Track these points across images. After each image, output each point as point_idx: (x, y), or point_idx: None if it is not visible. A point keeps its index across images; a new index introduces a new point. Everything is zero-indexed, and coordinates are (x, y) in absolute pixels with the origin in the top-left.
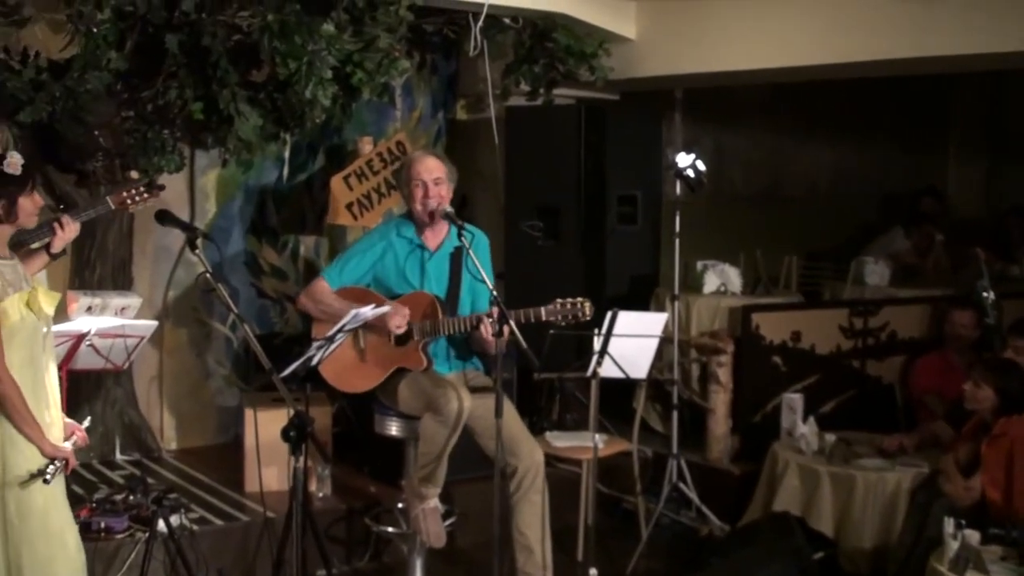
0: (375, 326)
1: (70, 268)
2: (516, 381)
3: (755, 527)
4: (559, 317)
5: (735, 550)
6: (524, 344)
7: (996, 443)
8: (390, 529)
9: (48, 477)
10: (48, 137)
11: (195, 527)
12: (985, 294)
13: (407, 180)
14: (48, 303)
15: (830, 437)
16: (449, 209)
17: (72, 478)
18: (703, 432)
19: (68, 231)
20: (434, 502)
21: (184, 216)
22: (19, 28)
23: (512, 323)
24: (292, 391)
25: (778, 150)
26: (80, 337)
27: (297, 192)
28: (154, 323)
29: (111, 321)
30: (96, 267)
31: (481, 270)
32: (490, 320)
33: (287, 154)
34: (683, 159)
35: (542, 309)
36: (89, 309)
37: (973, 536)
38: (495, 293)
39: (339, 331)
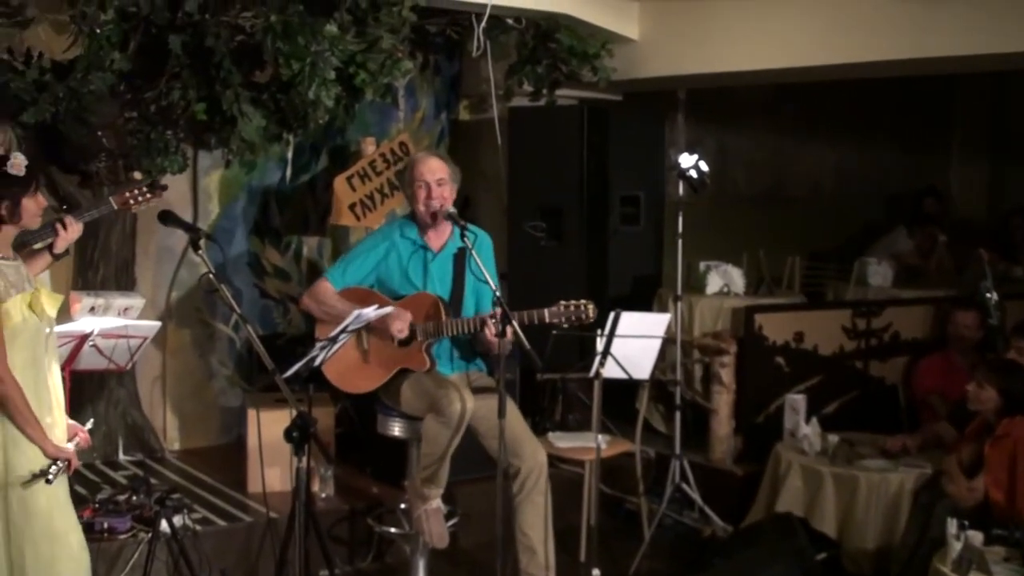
0: (378, 327)
1: (73, 269)
2: (519, 382)
3: (758, 528)
4: (562, 319)
5: (738, 551)
6: (527, 345)
7: (999, 444)
8: (393, 530)
9: (50, 477)
10: (51, 138)
11: (198, 527)
12: (988, 295)
13: (410, 181)
14: (51, 305)
15: (833, 438)
16: (452, 210)
17: (75, 478)
18: (706, 433)
19: (71, 231)
20: (437, 503)
21: (187, 217)
22: (23, 29)
23: (515, 324)
24: (295, 392)
25: (781, 150)
26: (83, 337)
27: (300, 193)
28: (157, 324)
29: (114, 321)
30: (99, 268)
31: (484, 271)
32: (493, 321)
33: (290, 155)
34: (686, 159)
35: (545, 311)
36: (92, 310)
37: (976, 537)
38: (498, 294)
39: (342, 332)
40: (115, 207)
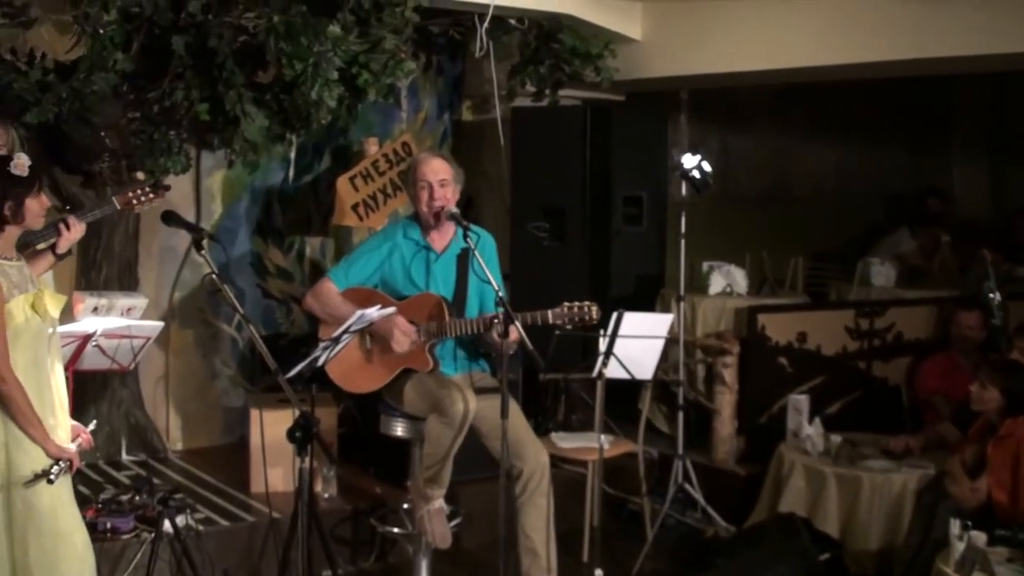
0: (381, 327)
1: (76, 269)
2: (522, 382)
3: (761, 528)
4: (566, 320)
5: (741, 551)
6: (530, 345)
7: (1002, 444)
8: (395, 530)
9: (52, 477)
10: (54, 138)
11: (201, 527)
12: (991, 295)
13: (413, 181)
14: (54, 305)
15: (836, 438)
16: (455, 210)
17: (78, 478)
18: (709, 433)
19: (74, 232)
20: (439, 503)
21: (190, 217)
22: (25, 29)
23: (518, 324)
24: (298, 392)
25: (783, 151)
26: (86, 338)
27: (303, 193)
28: (160, 324)
29: (117, 322)
30: (102, 268)
31: (487, 271)
32: (496, 321)
33: (293, 155)
34: (689, 160)
35: (549, 312)
36: (95, 310)
37: (979, 538)
38: (501, 294)
39: (345, 332)
40: (118, 207)
